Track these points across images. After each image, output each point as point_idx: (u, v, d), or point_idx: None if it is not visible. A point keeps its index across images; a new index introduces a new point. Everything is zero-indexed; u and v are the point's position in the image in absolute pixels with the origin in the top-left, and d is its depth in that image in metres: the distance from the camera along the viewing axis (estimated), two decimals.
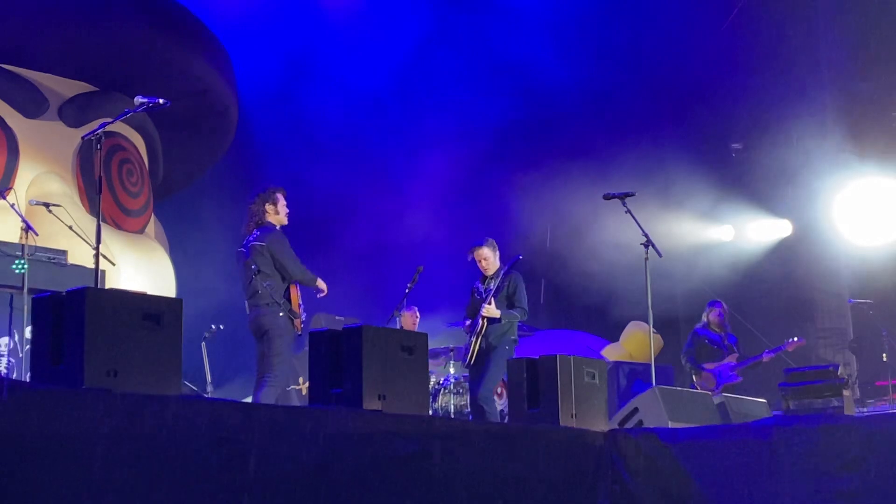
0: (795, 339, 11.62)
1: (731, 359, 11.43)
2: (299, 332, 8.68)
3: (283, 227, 8.75)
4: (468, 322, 9.44)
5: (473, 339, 9.26)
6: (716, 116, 15.07)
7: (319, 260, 15.10)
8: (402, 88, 15.24)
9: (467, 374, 10.81)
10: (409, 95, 15.25)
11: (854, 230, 13.99)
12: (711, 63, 14.85)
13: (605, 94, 14.71)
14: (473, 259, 9.51)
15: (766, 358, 11.43)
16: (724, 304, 11.85)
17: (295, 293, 8.68)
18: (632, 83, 14.73)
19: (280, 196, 8.82)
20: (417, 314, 11.59)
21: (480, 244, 9.44)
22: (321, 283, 8.82)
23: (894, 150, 13.49)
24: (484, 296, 9.34)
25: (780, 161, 14.39)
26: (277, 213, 8.75)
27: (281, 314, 8.46)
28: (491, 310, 9.21)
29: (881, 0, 13.80)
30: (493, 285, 9.33)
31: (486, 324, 9.22)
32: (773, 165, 14.50)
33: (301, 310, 8.67)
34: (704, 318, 11.78)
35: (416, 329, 11.02)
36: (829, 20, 14.46)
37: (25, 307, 8.54)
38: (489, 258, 9.43)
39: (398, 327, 10.84)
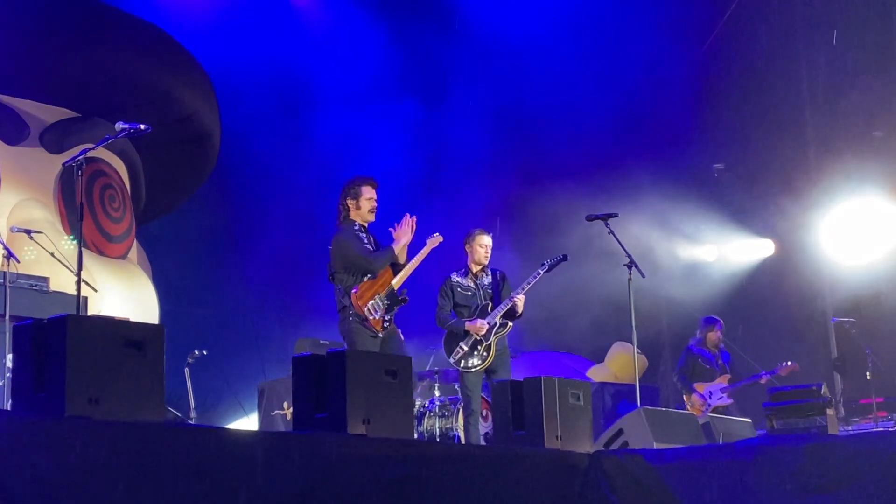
0: (788, 363, 11.55)
1: (723, 380, 11.35)
2: (378, 332, 8.12)
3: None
4: (477, 321, 8.72)
5: (492, 339, 8.74)
6: (697, 136, 15.13)
7: (304, 285, 15.14)
8: (386, 108, 15.25)
9: (454, 395, 10.74)
10: (393, 118, 15.26)
11: (836, 249, 14.04)
12: (692, 83, 14.93)
13: (585, 116, 14.74)
14: (472, 249, 8.96)
15: (760, 380, 11.34)
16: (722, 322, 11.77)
17: (362, 291, 8.09)
18: (612, 104, 14.78)
19: (365, 188, 8.25)
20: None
21: (486, 231, 9.01)
22: (396, 246, 8.12)
23: (876, 168, 13.56)
24: (489, 290, 8.89)
25: (762, 180, 14.45)
26: (359, 209, 8.26)
27: (351, 319, 8.06)
28: (522, 300, 8.75)
29: (860, 18, 13.89)
30: (486, 280, 8.98)
31: (504, 322, 8.77)
32: (755, 185, 14.57)
33: (375, 308, 8.05)
34: (699, 335, 11.66)
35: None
36: (809, 39, 14.55)
37: (7, 334, 8.49)
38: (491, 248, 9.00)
39: None
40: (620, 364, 13.86)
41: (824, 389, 9.17)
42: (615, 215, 9.19)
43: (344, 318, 8.12)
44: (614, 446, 8.03)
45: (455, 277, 9.02)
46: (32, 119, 11.57)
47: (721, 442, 8.53)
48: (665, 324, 15.40)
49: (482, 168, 14.91)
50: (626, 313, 9.06)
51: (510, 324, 8.89)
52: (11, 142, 11.35)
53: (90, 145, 8.36)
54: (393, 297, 8.24)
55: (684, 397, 11.47)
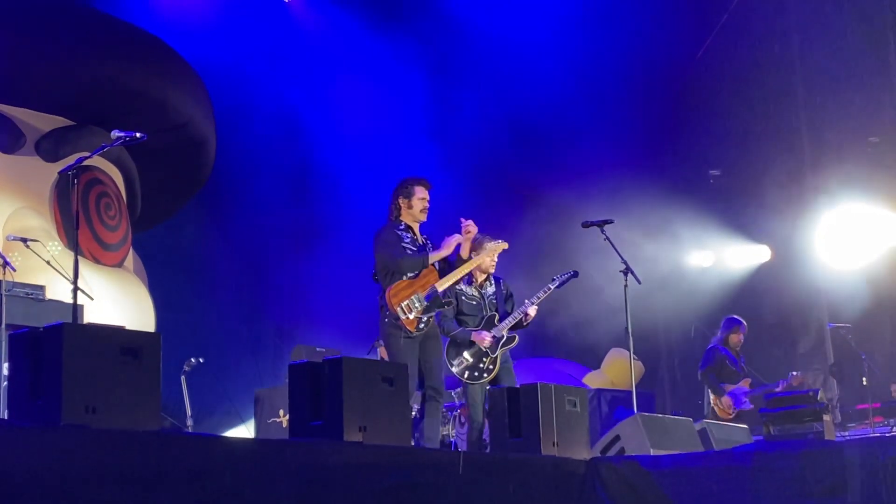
0: (797, 372, 11.42)
1: (745, 384, 11.20)
2: (412, 333, 7.93)
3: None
4: (483, 333, 8.42)
5: (499, 350, 8.48)
6: (693, 142, 15.15)
7: (300, 290, 15.15)
8: (386, 120, 15.25)
9: (451, 402, 10.73)
10: (393, 127, 15.27)
11: (832, 255, 14.05)
12: (688, 88, 14.95)
13: (582, 121, 14.76)
14: (478, 257, 8.51)
15: (781, 388, 11.19)
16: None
17: (397, 290, 7.93)
18: (608, 110, 14.80)
19: (418, 188, 8.12)
20: None
21: (488, 239, 8.64)
22: (434, 254, 7.99)
23: (871, 174, 13.57)
24: (493, 300, 8.65)
25: (758, 186, 14.46)
26: (411, 209, 8.12)
27: (387, 320, 7.91)
28: (534, 311, 8.54)
29: (855, 24, 13.92)
30: (490, 290, 8.73)
31: (512, 336, 8.56)
32: (751, 191, 14.58)
33: (410, 308, 7.86)
34: (720, 335, 11.47)
35: None
36: (805, 44, 14.57)
37: (3, 343, 8.47)
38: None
39: (379, 358, 10.80)
40: (617, 370, 13.85)
41: (821, 395, 9.18)
42: (611, 222, 9.16)
43: (381, 318, 8.00)
44: (611, 453, 8.03)
45: (460, 285, 8.67)
46: (28, 127, 11.56)
47: (717, 448, 8.53)
48: (661, 330, 15.41)
49: (477, 173, 14.92)
50: (623, 320, 9.05)
51: (517, 338, 8.68)
52: (7, 150, 11.34)
53: (86, 153, 8.33)
54: (435, 299, 8.10)
55: (711, 398, 11.19)
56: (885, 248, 13.67)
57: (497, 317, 8.67)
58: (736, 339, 11.41)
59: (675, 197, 14.31)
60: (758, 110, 14.80)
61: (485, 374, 8.50)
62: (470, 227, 8.19)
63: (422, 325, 7.99)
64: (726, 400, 11.03)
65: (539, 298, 8.65)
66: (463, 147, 14.83)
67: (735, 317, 11.66)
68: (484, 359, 8.51)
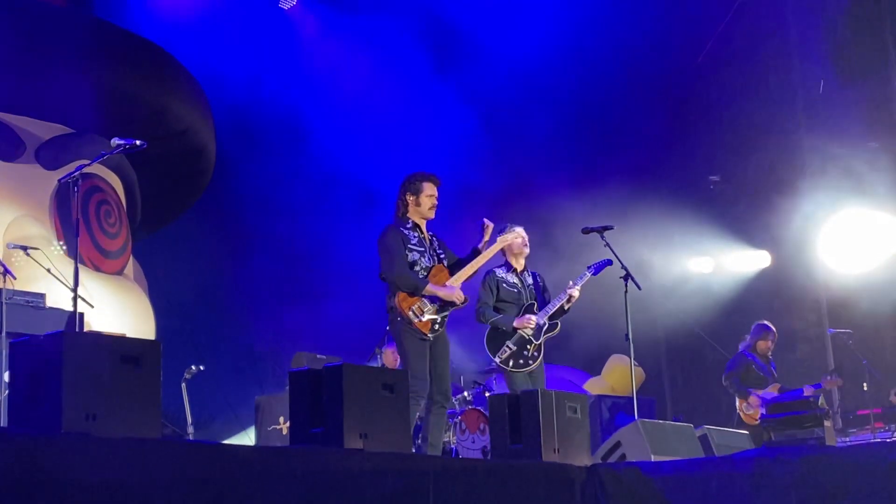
0: (830, 377, 11.41)
1: (774, 388, 11.14)
2: (427, 336, 7.68)
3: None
4: (527, 316, 8.30)
5: (542, 337, 8.39)
6: (692, 149, 15.16)
7: (300, 297, 15.14)
8: (387, 129, 15.25)
9: (452, 409, 10.71)
10: (394, 135, 15.27)
11: (832, 260, 14.05)
12: (687, 94, 14.96)
13: (582, 128, 14.78)
14: (510, 243, 8.42)
15: (806, 392, 11.13)
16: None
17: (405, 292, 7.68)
18: (608, 116, 14.81)
19: (426, 185, 7.83)
20: None
21: (514, 226, 8.50)
22: (440, 290, 7.63)
23: (872, 179, 13.58)
24: (532, 290, 8.55)
25: (758, 192, 14.47)
26: (419, 206, 7.83)
27: (399, 320, 7.63)
28: (577, 293, 8.40)
29: (854, 28, 13.93)
30: (529, 280, 8.64)
31: (554, 323, 8.47)
32: (751, 196, 14.59)
33: (422, 309, 7.62)
34: (749, 341, 11.39)
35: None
36: (803, 49, 14.58)
37: (3, 351, 8.47)
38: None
39: (380, 365, 10.80)
40: (618, 376, 13.85)
41: (821, 401, 9.18)
42: (611, 228, 9.15)
43: (392, 320, 7.73)
44: (612, 459, 8.02)
45: (500, 272, 8.57)
46: (28, 135, 11.58)
47: (718, 454, 8.52)
48: (662, 336, 15.40)
49: (477, 179, 14.92)
50: (623, 326, 9.05)
51: (559, 325, 8.55)
52: (7, 158, 11.37)
53: (86, 161, 8.33)
54: (538, 329, 8.09)
55: (737, 402, 11.15)
56: (886, 252, 13.67)
57: (535, 305, 8.58)
58: (764, 345, 11.32)
59: (675, 203, 14.32)
60: (757, 115, 14.81)
61: (530, 362, 8.40)
62: (489, 226, 8.01)
63: (436, 327, 7.73)
64: (754, 400, 10.93)
65: (577, 285, 8.55)
66: (462, 152, 14.84)
67: (765, 323, 11.58)
68: (528, 346, 8.41)
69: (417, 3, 15.18)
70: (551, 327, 8.57)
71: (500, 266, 8.70)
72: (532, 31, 14.90)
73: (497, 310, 8.52)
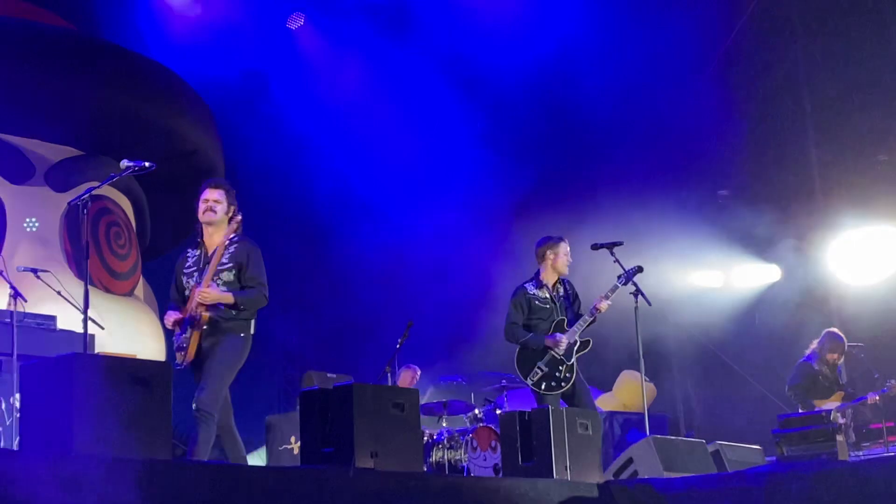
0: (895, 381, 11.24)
1: (837, 398, 10.98)
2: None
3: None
4: (558, 336, 8.34)
5: (574, 357, 8.39)
6: (702, 163, 15.13)
7: (312, 318, 15.14)
8: (396, 145, 15.26)
9: (462, 427, 10.67)
10: (399, 150, 15.27)
11: (843, 273, 14.00)
12: (696, 109, 14.94)
13: (590, 143, 14.76)
14: (555, 257, 8.56)
15: (870, 399, 10.97)
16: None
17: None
18: (617, 130, 14.79)
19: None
20: (418, 372, 11.51)
21: (562, 239, 8.68)
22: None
23: (882, 192, 13.54)
24: (564, 303, 8.52)
25: (767, 206, 14.43)
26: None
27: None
28: (606, 306, 8.41)
29: (862, 44, 13.92)
30: (562, 292, 8.61)
31: (586, 340, 8.48)
32: (760, 210, 14.55)
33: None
34: (817, 350, 11.16)
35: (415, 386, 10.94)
36: (811, 64, 14.57)
37: (15, 373, 8.48)
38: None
39: (390, 384, 10.78)
40: (628, 393, 13.80)
41: (834, 415, 9.12)
42: (620, 243, 9.12)
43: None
44: (624, 476, 8.00)
45: (530, 289, 8.53)
46: (37, 158, 11.61)
47: (731, 470, 8.49)
48: (672, 351, 15.35)
49: (485, 193, 14.92)
50: (634, 341, 9.02)
51: (591, 341, 8.54)
52: (17, 181, 11.39)
53: (95, 183, 8.36)
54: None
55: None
56: None
57: (566, 321, 8.51)
58: (832, 358, 11.15)
59: (684, 218, 14.29)
60: (766, 129, 14.79)
61: (562, 384, 8.35)
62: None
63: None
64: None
65: (611, 293, 8.49)
66: (469, 165, 14.84)
67: (834, 331, 11.40)
68: (560, 367, 8.36)
69: (427, 25, 15.21)
70: (583, 345, 8.52)
71: (529, 281, 8.67)
72: (540, 44, 14.89)
73: (527, 327, 8.48)
